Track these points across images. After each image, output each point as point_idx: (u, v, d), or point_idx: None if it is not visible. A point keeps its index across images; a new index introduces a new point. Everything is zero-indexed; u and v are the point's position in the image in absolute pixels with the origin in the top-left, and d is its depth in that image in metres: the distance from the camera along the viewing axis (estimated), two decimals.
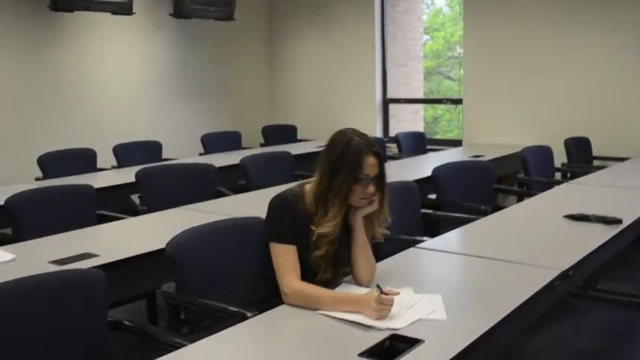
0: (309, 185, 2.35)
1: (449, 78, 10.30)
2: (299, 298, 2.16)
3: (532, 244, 2.99)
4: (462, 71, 7.39)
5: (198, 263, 2.53)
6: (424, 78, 8.73)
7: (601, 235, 3.05)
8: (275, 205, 2.32)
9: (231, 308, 2.30)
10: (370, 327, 1.97)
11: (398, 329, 1.95)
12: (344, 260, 2.37)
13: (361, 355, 1.79)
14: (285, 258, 2.24)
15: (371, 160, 2.25)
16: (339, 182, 2.24)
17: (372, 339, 1.89)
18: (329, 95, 8.17)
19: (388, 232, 2.43)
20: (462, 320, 2.06)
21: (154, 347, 2.23)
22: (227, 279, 2.61)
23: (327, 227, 2.25)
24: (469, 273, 2.63)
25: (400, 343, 1.88)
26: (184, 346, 1.96)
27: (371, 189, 2.26)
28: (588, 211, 3.37)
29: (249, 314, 2.20)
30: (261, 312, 2.18)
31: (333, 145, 2.29)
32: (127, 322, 2.29)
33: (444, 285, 2.46)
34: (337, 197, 2.24)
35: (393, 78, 7.96)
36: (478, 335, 1.91)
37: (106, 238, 3.32)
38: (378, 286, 2.09)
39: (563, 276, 2.50)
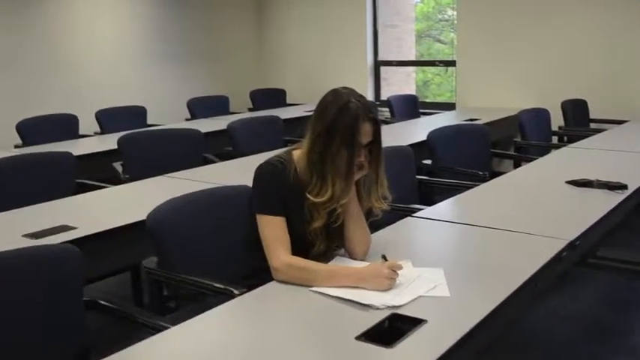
0: (299, 151, 2.17)
1: (439, 41, 10.07)
2: (290, 273, 2.01)
3: (535, 212, 2.84)
4: (452, 34, 7.18)
5: (181, 236, 2.36)
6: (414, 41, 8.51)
7: (607, 201, 2.91)
8: (261, 173, 2.14)
9: (217, 285, 2.14)
10: (367, 306, 1.82)
11: (398, 307, 1.80)
12: (337, 232, 2.21)
13: (359, 338, 1.64)
14: (273, 230, 2.07)
15: (367, 127, 2.08)
16: (335, 148, 2.06)
17: (370, 319, 1.74)
18: (319, 58, 7.95)
19: (388, 208, 2.26)
20: (467, 297, 1.91)
21: (136, 327, 2.09)
22: (213, 252, 2.45)
23: (325, 196, 2.08)
24: (471, 244, 2.47)
25: (401, 323, 1.73)
26: (167, 328, 1.80)
27: (361, 157, 2.09)
28: (590, 176, 3.23)
29: (236, 292, 2.05)
30: (249, 288, 2.02)
31: (327, 107, 2.10)
32: (104, 302, 2.11)
33: (444, 257, 2.32)
34: (336, 165, 2.06)
35: (385, 40, 7.75)
36: (485, 314, 1.76)
37: (86, 209, 3.14)
38: (383, 257, 1.95)
39: (571, 246, 2.36)
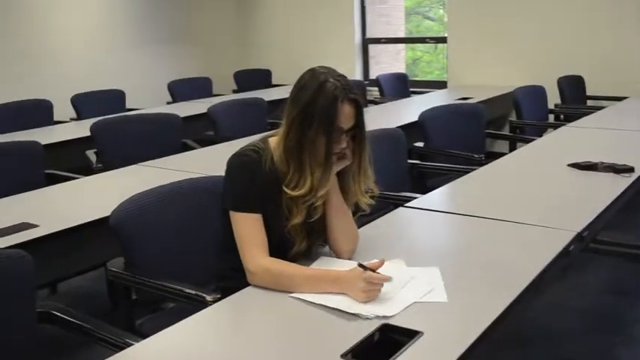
0: (276, 138, 1.94)
1: (428, 18, 9.83)
2: (267, 277, 1.79)
3: (537, 199, 2.62)
4: (441, 11, 6.93)
5: (149, 235, 2.13)
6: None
7: (613, 186, 2.70)
8: (234, 165, 1.91)
9: (188, 291, 1.92)
10: (355, 315, 1.60)
11: (389, 317, 1.59)
12: (319, 228, 1.98)
13: (345, 355, 1.42)
14: (248, 229, 1.85)
15: (347, 109, 1.85)
16: (312, 134, 1.83)
17: (358, 331, 1.53)
18: (305, 36, 7.69)
19: (374, 202, 2.03)
20: (467, 302, 1.69)
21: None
22: (184, 252, 2.23)
23: (304, 188, 1.86)
24: (469, 238, 2.24)
25: (393, 335, 1.52)
26: (131, 345, 1.58)
27: (342, 143, 1.87)
28: (594, 158, 3.02)
29: (208, 298, 1.84)
30: (222, 293, 1.82)
31: (303, 89, 1.88)
32: (60, 314, 1.87)
33: (441, 254, 2.08)
34: (314, 153, 1.85)
35: (373, 16, 7.49)
36: (489, 323, 1.55)
37: (51, 204, 2.89)
38: (360, 265, 1.71)
39: (578, 238, 2.15)
